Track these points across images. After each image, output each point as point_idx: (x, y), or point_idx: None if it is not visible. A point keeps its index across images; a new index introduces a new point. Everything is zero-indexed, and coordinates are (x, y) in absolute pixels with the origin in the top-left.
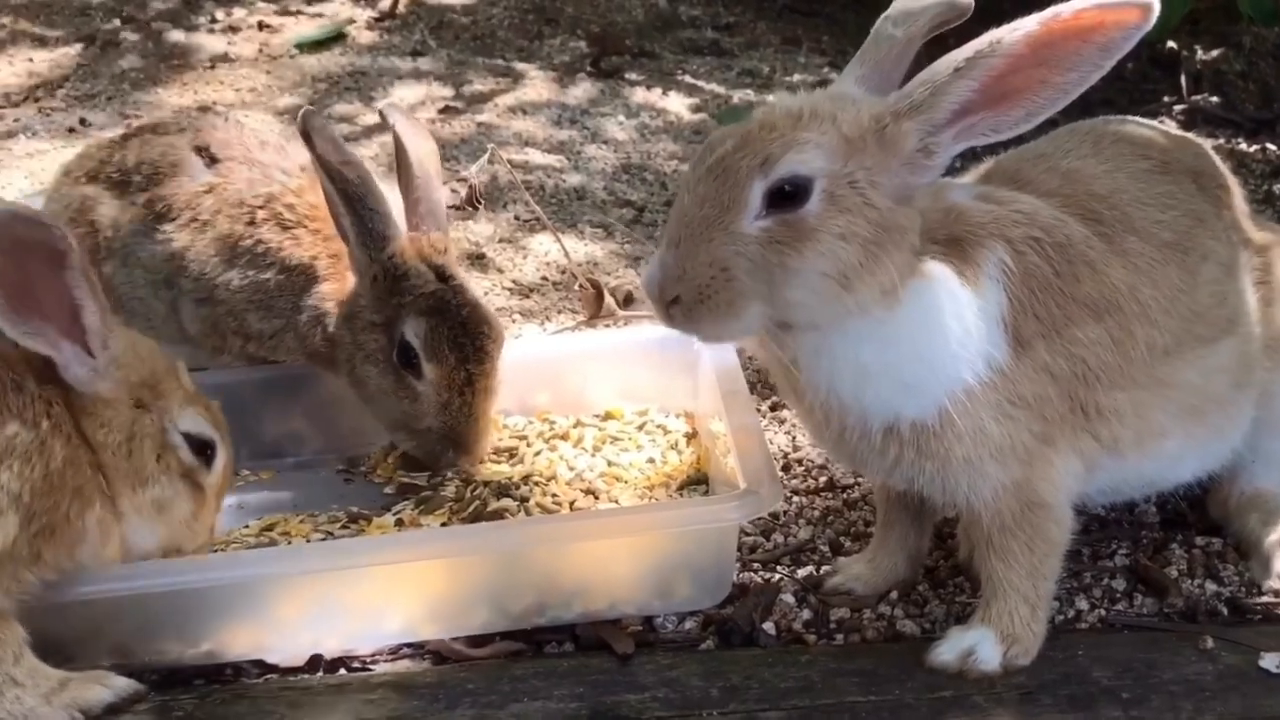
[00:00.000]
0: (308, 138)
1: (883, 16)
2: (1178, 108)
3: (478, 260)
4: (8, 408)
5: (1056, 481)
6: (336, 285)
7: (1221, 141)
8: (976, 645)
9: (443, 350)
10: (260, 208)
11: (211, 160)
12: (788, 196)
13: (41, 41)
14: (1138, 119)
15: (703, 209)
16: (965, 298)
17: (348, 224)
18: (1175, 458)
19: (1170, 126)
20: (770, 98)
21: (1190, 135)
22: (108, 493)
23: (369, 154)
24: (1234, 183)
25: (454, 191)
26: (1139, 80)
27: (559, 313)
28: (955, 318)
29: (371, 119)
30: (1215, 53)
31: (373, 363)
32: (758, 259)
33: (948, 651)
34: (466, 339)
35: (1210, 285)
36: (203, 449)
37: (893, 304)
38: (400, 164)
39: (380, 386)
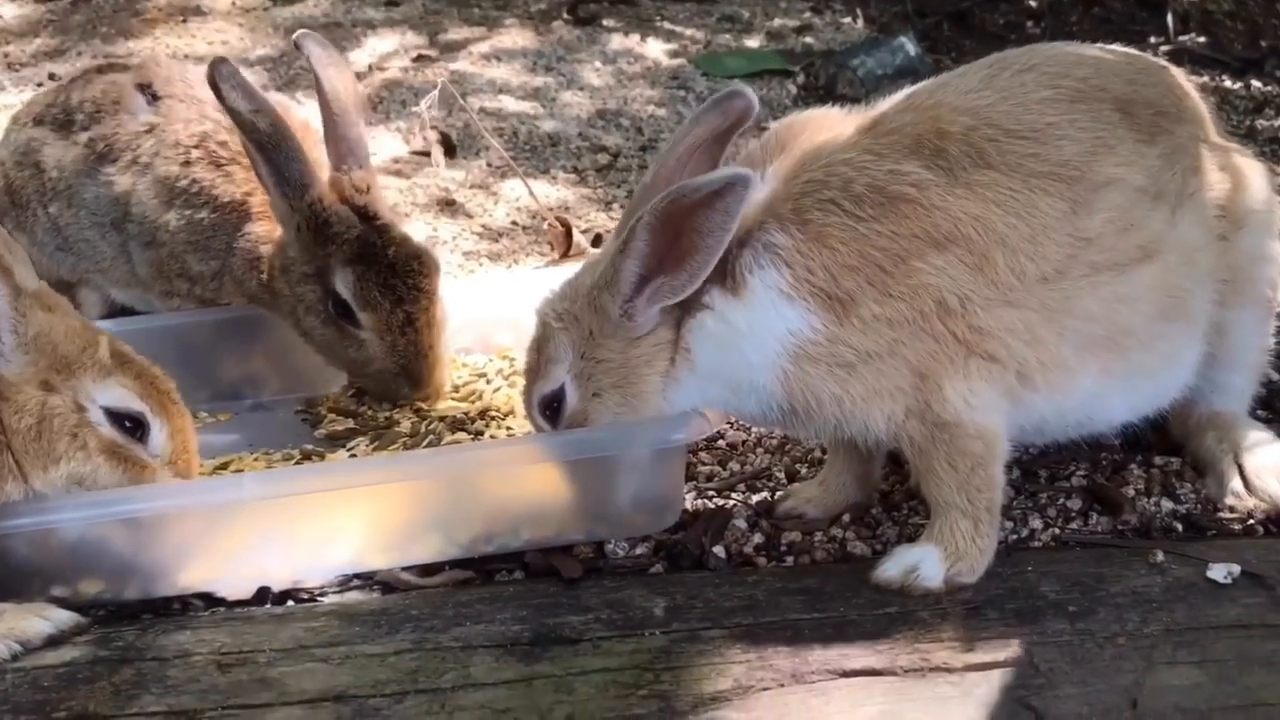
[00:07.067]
0: (216, 89)
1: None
2: (1164, 48)
3: (448, 206)
4: None
5: (954, 402)
6: (268, 226)
7: (1206, 79)
8: (920, 562)
9: (374, 296)
10: (195, 147)
11: (153, 98)
12: (551, 407)
13: None
14: (1078, 44)
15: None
16: (735, 313)
17: (265, 174)
18: (1096, 395)
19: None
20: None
21: (1149, 59)
22: (16, 473)
23: None
24: (1195, 112)
25: (424, 139)
26: (1126, 21)
27: (527, 256)
28: (737, 335)
29: None
30: None
31: (314, 314)
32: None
33: (892, 568)
34: (397, 279)
35: (1109, 212)
36: (129, 421)
37: (689, 363)
38: (319, 99)
39: (325, 337)
